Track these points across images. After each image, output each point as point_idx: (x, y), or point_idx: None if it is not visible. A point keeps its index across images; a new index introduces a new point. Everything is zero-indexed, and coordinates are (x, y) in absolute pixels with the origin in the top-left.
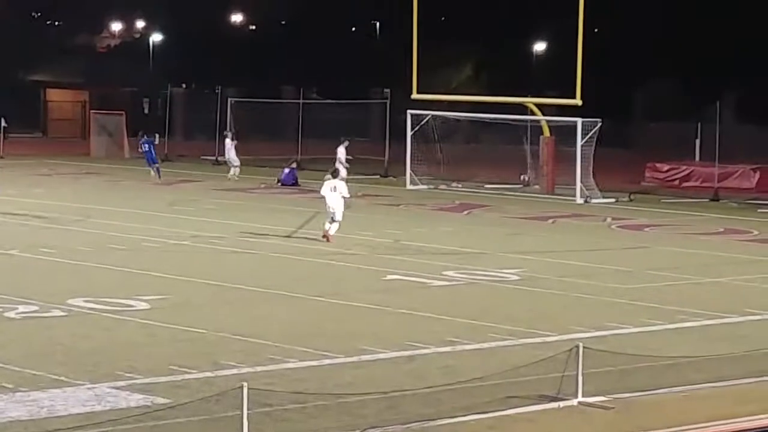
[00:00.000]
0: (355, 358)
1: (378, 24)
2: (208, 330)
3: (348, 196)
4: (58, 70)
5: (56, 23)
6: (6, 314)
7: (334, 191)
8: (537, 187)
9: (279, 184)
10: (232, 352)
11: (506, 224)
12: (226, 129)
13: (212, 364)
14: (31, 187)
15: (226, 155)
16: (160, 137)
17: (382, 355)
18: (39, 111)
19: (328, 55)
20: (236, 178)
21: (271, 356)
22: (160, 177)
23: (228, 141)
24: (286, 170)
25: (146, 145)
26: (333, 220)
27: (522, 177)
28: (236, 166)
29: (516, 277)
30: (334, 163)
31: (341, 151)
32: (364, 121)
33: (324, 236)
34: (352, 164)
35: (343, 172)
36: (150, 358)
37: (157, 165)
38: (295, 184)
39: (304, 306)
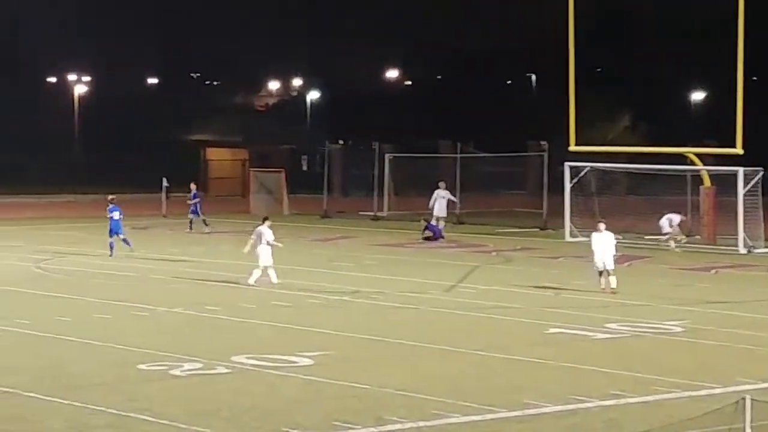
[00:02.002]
0: (518, 413)
1: (534, 77)
2: (371, 385)
3: (617, 253)
4: (217, 129)
5: (214, 83)
6: (171, 372)
7: (606, 245)
8: (698, 237)
9: (435, 238)
10: (395, 407)
11: (668, 275)
12: (440, 181)
13: (376, 420)
14: (192, 245)
15: (438, 207)
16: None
17: (545, 409)
18: (199, 170)
19: (484, 108)
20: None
21: (435, 411)
22: (192, 228)
23: (443, 192)
24: (441, 225)
25: (195, 197)
26: (609, 273)
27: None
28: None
29: (679, 329)
30: None
31: (676, 219)
32: (521, 173)
33: (606, 290)
34: (510, 217)
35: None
36: (313, 413)
37: (200, 218)
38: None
39: (465, 360)
